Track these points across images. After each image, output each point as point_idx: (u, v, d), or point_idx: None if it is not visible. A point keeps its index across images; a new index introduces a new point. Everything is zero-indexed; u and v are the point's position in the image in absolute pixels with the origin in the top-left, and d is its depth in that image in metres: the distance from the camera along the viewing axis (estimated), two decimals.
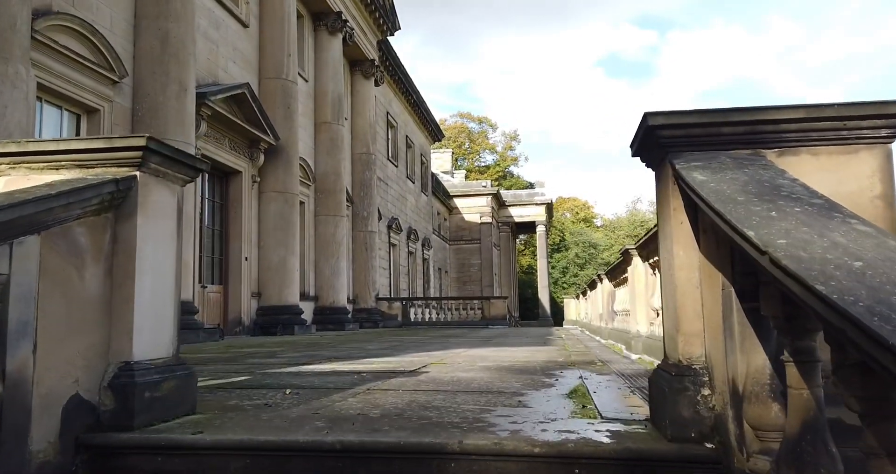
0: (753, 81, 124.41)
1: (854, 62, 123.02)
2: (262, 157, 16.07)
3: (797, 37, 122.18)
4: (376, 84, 25.43)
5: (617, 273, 9.45)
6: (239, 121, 14.78)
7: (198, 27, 13.50)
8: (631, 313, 7.31)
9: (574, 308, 25.78)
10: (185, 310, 11.51)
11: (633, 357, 6.76)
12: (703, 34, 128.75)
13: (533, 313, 56.53)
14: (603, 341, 10.75)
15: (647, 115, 2.49)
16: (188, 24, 12.21)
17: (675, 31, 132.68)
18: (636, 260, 6.78)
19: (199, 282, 14.04)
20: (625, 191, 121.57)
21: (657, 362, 6.26)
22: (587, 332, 15.77)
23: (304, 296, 18.64)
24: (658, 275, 6.22)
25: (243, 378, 4.86)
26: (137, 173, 2.96)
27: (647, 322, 6.70)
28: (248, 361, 6.76)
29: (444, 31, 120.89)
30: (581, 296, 20.54)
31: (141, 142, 2.92)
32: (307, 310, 18.89)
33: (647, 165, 2.82)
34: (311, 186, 20.05)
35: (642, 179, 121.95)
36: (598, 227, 78.57)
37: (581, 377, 4.86)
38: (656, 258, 6.13)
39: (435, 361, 6.39)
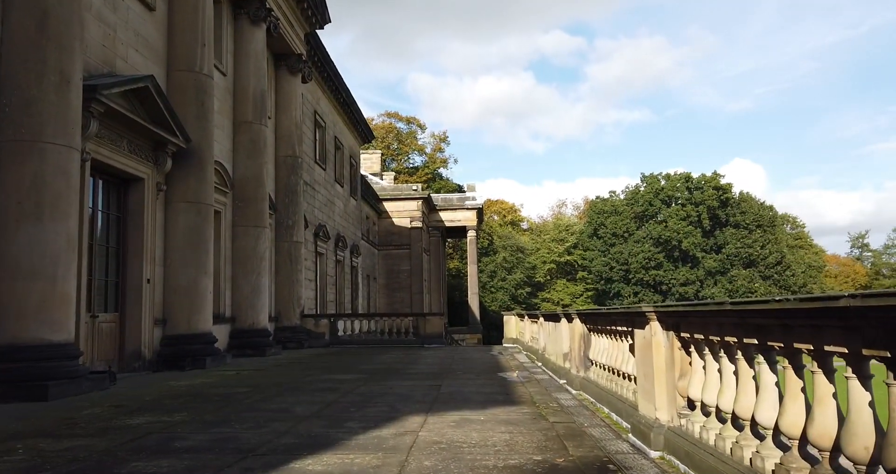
0: (673, 90, 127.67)
1: (761, 75, 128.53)
2: (169, 162, 13.77)
3: (713, 49, 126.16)
4: (304, 81, 23.26)
5: (601, 321, 7.92)
6: (141, 121, 12.49)
7: (89, 6, 11.19)
8: (643, 388, 5.76)
9: (515, 326, 24.33)
10: (65, 355, 9.30)
11: (652, 454, 5.21)
12: (629, 43, 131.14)
13: (462, 318, 55.13)
14: (574, 392, 9.22)
15: None
16: (74, 1, 9.93)
17: (602, 39, 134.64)
18: (654, 326, 5.19)
19: (89, 310, 11.71)
20: (550, 194, 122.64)
21: None
22: (540, 365, 14.28)
23: (218, 319, 16.39)
24: (699, 359, 4.64)
25: None
26: None
27: (671, 409, 5.14)
28: (126, 469, 4.78)
29: (378, 28, 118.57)
30: (528, 318, 19.07)
31: None
32: (222, 335, 16.66)
33: None
34: (229, 194, 17.77)
35: (566, 184, 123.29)
36: (524, 231, 78.14)
37: None
38: (696, 336, 4.56)
39: (396, 471, 4.64)
